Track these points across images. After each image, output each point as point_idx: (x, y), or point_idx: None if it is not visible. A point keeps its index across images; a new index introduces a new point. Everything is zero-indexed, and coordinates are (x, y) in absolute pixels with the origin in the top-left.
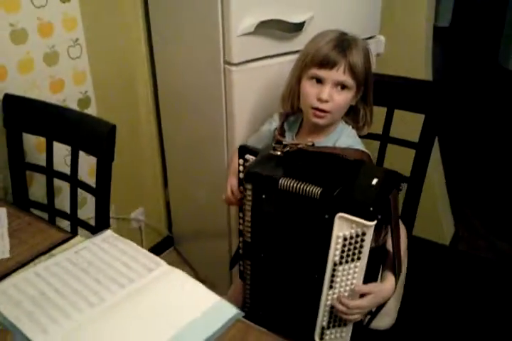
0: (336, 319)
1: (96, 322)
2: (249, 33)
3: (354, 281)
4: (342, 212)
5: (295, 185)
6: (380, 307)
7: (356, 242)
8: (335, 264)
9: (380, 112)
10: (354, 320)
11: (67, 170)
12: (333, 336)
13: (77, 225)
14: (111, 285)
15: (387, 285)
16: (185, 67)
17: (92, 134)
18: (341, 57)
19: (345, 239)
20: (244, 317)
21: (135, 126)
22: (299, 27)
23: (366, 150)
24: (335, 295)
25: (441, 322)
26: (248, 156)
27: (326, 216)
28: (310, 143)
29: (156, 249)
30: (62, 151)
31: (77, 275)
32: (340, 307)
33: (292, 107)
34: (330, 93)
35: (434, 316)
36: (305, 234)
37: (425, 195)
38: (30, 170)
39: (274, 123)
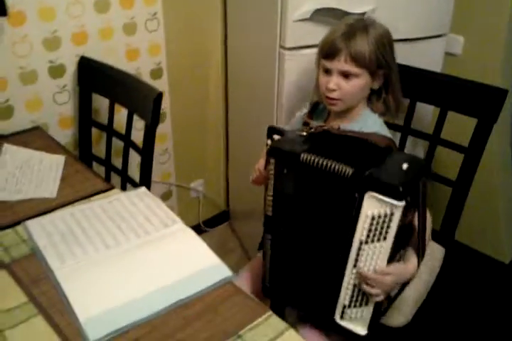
0: (358, 298)
1: (107, 261)
2: (305, 19)
3: (378, 261)
4: (372, 191)
5: (319, 161)
6: (400, 291)
7: (384, 222)
8: (361, 243)
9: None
10: (376, 297)
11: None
12: (353, 315)
13: (126, 181)
14: (129, 233)
15: (410, 267)
16: (249, 49)
17: (143, 99)
18: (342, 46)
19: (373, 218)
20: (262, 292)
21: (203, 100)
22: (360, 16)
23: (391, 137)
24: (359, 272)
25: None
26: (275, 136)
27: (356, 194)
28: (336, 126)
29: (212, 222)
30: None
31: (104, 220)
32: (362, 277)
33: (318, 96)
34: (336, 82)
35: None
36: (330, 211)
37: (486, 205)
38: (95, 127)
39: (305, 109)
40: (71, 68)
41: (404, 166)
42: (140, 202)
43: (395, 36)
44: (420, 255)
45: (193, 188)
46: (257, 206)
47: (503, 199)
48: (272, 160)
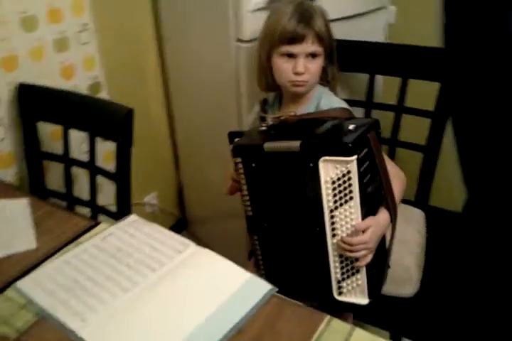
0: (348, 267)
1: (132, 306)
2: (261, 9)
3: (353, 222)
4: (324, 155)
5: (278, 145)
6: (386, 254)
7: (344, 182)
8: (331, 210)
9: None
10: (363, 259)
11: (83, 158)
12: (350, 287)
13: (98, 212)
14: (142, 269)
15: (381, 215)
16: (197, 45)
17: (109, 119)
18: (308, 29)
19: (333, 183)
20: None
21: (146, 109)
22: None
23: (348, 107)
24: (339, 242)
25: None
26: (237, 139)
27: (311, 164)
28: (292, 113)
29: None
30: (77, 139)
31: (107, 261)
32: (344, 246)
33: (267, 85)
34: (304, 65)
35: (456, 282)
36: (297, 189)
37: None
38: (47, 159)
39: (256, 108)
40: (4, 99)
41: (351, 127)
42: (137, 231)
43: (342, 14)
44: (391, 206)
45: (147, 203)
46: (215, 208)
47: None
48: (239, 159)
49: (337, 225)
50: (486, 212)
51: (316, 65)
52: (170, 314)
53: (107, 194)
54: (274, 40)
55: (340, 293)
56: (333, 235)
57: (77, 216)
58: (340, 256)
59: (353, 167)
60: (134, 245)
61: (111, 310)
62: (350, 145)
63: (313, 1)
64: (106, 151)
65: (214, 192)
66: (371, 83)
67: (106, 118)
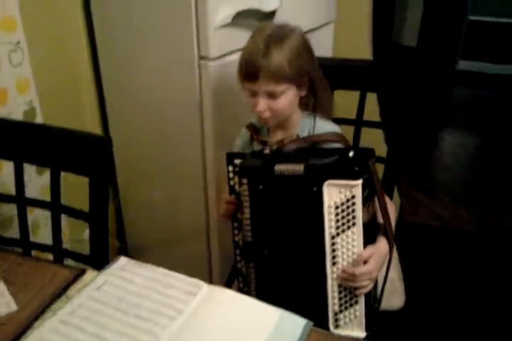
0: (347, 298)
1: None
2: (226, 25)
3: (355, 250)
4: (329, 178)
5: (286, 168)
6: (384, 281)
7: (348, 207)
8: (332, 237)
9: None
10: (365, 290)
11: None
12: (347, 319)
13: (63, 257)
14: (158, 319)
15: (381, 244)
16: (144, 67)
17: (81, 151)
18: (261, 66)
19: (336, 207)
20: None
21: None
22: (272, 15)
23: (340, 131)
24: (339, 271)
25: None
26: (237, 161)
27: (315, 188)
28: (294, 136)
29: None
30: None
31: (113, 314)
32: (347, 276)
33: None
34: (265, 103)
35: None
36: (299, 214)
37: None
38: None
39: (245, 134)
40: None
41: (351, 154)
42: (135, 276)
43: None
44: (390, 235)
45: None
46: (157, 233)
47: None
48: (245, 180)
49: (338, 252)
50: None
51: (279, 103)
52: None
53: (45, 234)
54: (239, 74)
55: (336, 326)
56: (333, 263)
57: (52, 264)
58: (339, 285)
59: (358, 191)
60: (137, 293)
61: None
62: (356, 168)
63: (271, 19)
64: (43, 185)
65: (158, 214)
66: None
67: (76, 150)
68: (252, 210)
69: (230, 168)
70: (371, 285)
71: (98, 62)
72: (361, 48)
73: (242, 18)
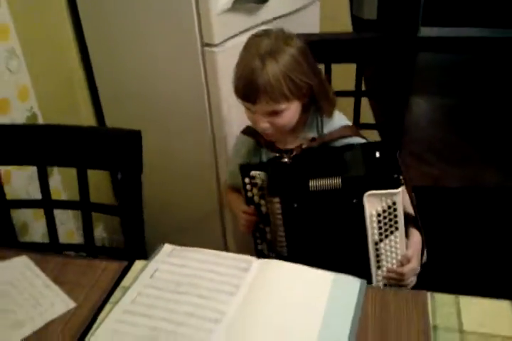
0: None
1: (236, 336)
2: (227, 10)
3: (398, 251)
4: (369, 189)
5: (322, 183)
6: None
7: (390, 214)
8: (376, 243)
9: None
10: (411, 285)
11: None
12: None
13: (96, 254)
14: (219, 296)
15: (416, 238)
16: (141, 60)
17: (110, 147)
18: (258, 89)
19: (378, 215)
20: None
21: None
22: None
23: (349, 124)
24: (384, 273)
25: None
26: (254, 172)
27: (355, 200)
28: (310, 138)
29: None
30: (21, 180)
31: (174, 298)
32: (395, 276)
33: None
34: (267, 121)
35: None
36: (340, 226)
37: None
38: (19, 207)
39: (247, 141)
40: None
41: (377, 154)
42: (185, 260)
43: (281, 12)
44: (420, 225)
45: (97, 237)
46: (172, 226)
47: None
48: (277, 199)
49: (382, 257)
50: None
51: (282, 121)
52: (281, 336)
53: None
54: (235, 91)
55: None
56: (378, 267)
57: (98, 260)
58: (385, 285)
59: (399, 198)
60: (192, 275)
61: None
62: (395, 176)
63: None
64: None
65: (174, 207)
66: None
67: (105, 147)
68: (287, 228)
69: (247, 180)
70: (415, 280)
71: (89, 59)
72: (347, 23)
73: (241, 3)
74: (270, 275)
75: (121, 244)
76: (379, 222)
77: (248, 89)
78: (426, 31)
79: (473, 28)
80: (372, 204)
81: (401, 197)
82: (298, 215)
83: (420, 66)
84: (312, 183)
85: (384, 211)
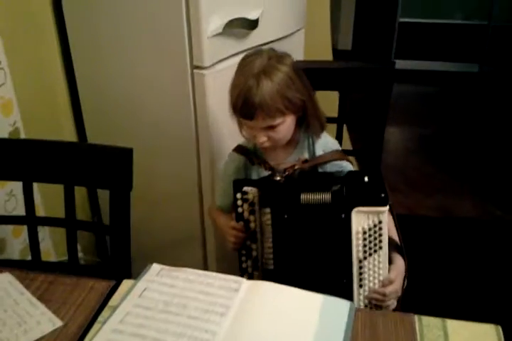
0: None
1: None
2: (218, 34)
3: (381, 272)
4: (357, 206)
5: (313, 197)
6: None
7: (375, 232)
8: (360, 261)
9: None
10: (391, 307)
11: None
12: None
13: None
14: (209, 317)
15: (400, 262)
16: (131, 83)
17: (101, 164)
18: (255, 107)
19: (364, 233)
20: None
21: None
22: (256, 23)
23: (339, 148)
24: (366, 293)
25: None
26: (246, 188)
27: (343, 215)
28: (303, 159)
29: None
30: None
31: (163, 319)
32: (377, 296)
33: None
34: (264, 135)
35: None
36: (327, 240)
37: None
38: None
39: (237, 159)
40: None
41: (366, 179)
42: (174, 280)
43: (269, 38)
44: (403, 251)
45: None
46: (147, 246)
47: None
48: (268, 210)
49: (365, 275)
50: None
51: (279, 134)
52: None
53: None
54: (232, 109)
55: None
56: (360, 285)
57: (85, 279)
58: (365, 306)
59: (385, 216)
60: (181, 295)
61: None
62: (383, 195)
63: (256, 28)
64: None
65: (149, 222)
66: None
67: (97, 164)
68: (275, 239)
69: (239, 196)
70: (395, 303)
71: (75, 77)
72: (328, 51)
73: (231, 26)
74: (260, 297)
75: (97, 264)
76: (364, 239)
77: (245, 108)
78: (399, 64)
79: (438, 62)
80: (359, 221)
81: (386, 217)
82: (287, 227)
83: (392, 96)
84: (304, 196)
85: (370, 229)
